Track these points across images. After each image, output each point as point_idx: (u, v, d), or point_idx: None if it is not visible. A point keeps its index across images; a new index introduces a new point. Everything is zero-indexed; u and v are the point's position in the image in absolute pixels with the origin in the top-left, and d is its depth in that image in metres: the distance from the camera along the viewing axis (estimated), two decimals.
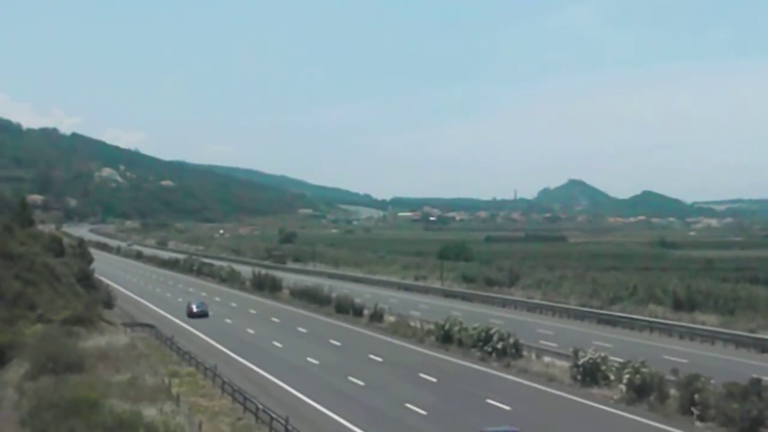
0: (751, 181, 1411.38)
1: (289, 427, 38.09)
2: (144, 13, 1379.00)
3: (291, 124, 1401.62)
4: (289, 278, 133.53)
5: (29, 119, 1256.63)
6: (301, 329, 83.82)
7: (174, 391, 45.83)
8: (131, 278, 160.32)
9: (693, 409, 42.12)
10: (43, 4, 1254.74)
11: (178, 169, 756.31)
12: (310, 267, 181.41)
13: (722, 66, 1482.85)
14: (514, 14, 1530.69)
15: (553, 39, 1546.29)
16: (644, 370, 46.49)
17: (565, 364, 54.49)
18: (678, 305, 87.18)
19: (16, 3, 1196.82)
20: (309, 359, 64.05)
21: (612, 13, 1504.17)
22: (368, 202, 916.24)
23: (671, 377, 46.18)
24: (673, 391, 44.87)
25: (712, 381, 43.33)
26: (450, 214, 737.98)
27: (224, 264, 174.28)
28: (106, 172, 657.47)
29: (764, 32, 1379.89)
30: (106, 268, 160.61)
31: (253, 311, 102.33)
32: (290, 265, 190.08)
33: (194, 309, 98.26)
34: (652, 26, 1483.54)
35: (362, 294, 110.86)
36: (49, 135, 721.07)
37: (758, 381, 41.60)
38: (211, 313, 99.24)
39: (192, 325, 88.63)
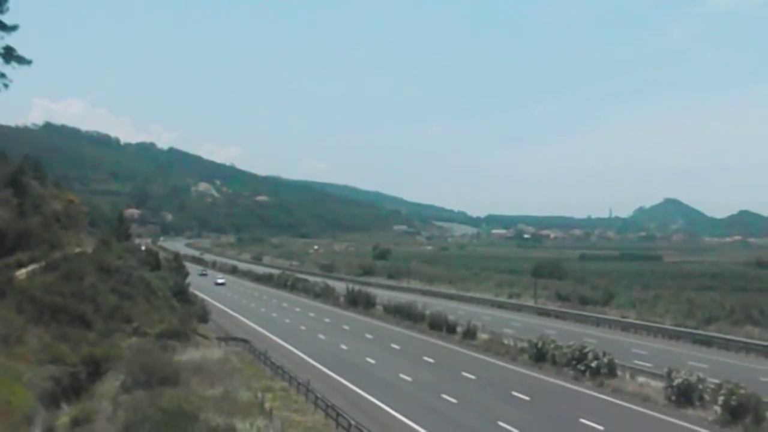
0: None
1: None
2: (240, 31, 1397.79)
3: (387, 140, 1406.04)
4: (383, 295, 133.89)
5: (128, 134, 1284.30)
6: (394, 346, 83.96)
7: (267, 405, 46.08)
8: (225, 292, 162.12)
9: None
10: (143, 22, 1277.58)
11: (273, 184, 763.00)
12: (404, 284, 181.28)
13: None
14: (611, 34, 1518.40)
15: (650, 58, 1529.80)
16: (740, 391, 45.89)
17: (660, 384, 53.90)
18: None
19: (118, 22, 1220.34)
20: (402, 376, 64.17)
21: (710, 32, 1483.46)
22: (463, 219, 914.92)
23: None
24: None
25: None
26: (544, 232, 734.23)
27: (318, 279, 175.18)
28: (203, 186, 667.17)
29: None
30: (200, 282, 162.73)
31: (346, 327, 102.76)
32: (383, 281, 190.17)
33: None
34: (752, 45, 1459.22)
35: (455, 311, 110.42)
36: (146, 150, 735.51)
37: None
38: (303, 328, 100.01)
39: (286, 341, 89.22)
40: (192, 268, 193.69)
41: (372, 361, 73.17)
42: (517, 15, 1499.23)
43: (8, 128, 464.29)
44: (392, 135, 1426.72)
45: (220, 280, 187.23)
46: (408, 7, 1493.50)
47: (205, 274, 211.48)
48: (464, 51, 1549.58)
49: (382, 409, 51.23)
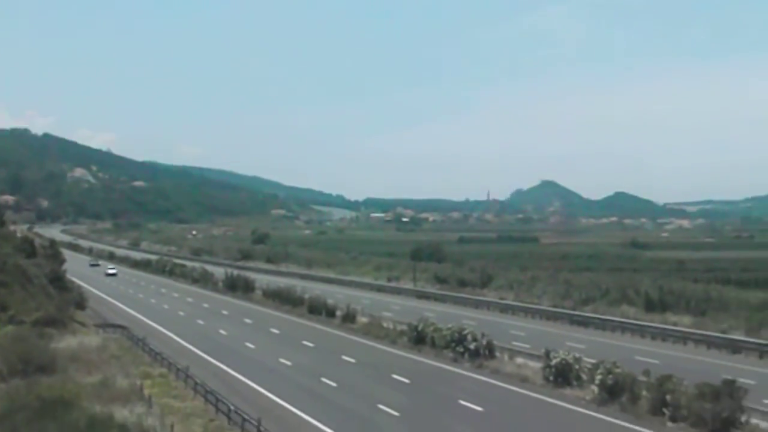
0: (722, 183, 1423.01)
1: (262, 429, 37.89)
2: (115, 14, 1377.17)
3: (264, 124, 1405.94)
4: (262, 279, 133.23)
5: (2, 120, 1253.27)
6: (273, 330, 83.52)
7: (146, 392, 45.52)
8: (103, 279, 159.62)
9: (664, 409, 42.09)
10: (13, 4, 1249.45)
11: (150, 169, 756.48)
12: (282, 268, 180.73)
13: (695, 68, 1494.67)
14: (486, 15, 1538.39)
15: (526, 40, 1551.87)
16: (616, 370, 46.42)
17: (538, 365, 54.48)
18: (650, 306, 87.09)
19: None
20: (281, 360, 63.80)
21: (586, 14, 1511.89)
22: (341, 203, 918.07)
23: (643, 378, 46.20)
24: (644, 392, 44.74)
25: (684, 381, 43.21)
26: (423, 215, 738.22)
27: (196, 265, 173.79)
28: (78, 172, 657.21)
29: (736, 34, 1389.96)
30: (78, 268, 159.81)
31: (225, 312, 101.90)
32: (262, 265, 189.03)
33: None
34: (625, 27, 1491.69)
35: (335, 295, 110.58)
36: (20, 135, 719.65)
37: (730, 382, 41.67)
38: (182, 313, 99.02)
39: (164, 327, 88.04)
40: (81, 258, 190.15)
41: (251, 346, 72.71)
42: None
43: None
44: (269, 118, 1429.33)
45: (111, 271, 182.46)
46: None
47: (96, 265, 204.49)
48: (341, 33, 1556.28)
49: (262, 394, 50.87)
